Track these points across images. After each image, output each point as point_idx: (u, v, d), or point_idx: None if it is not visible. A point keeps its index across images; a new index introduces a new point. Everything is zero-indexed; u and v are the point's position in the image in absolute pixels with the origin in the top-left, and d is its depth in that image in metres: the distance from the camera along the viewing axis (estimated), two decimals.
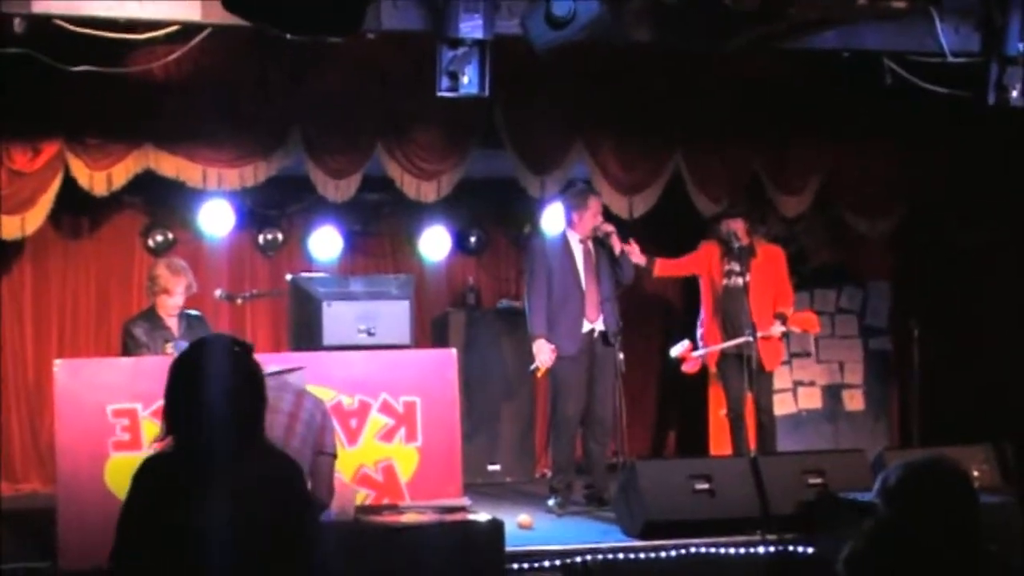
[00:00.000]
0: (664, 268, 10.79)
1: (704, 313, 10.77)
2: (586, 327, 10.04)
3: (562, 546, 8.70)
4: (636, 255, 10.31)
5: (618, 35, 8.98)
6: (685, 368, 10.80)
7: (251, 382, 4.25)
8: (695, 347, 10.69)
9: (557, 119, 10.36)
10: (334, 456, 7.15)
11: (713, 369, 10.99)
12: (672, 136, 10.70)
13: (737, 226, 10.49)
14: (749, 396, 10.43)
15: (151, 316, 9.39)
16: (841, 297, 12.73)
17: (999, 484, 9.39)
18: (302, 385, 7.33)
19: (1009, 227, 11.28)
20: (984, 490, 8.93)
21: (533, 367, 10.09)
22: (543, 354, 9.95)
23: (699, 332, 10.80)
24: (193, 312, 9.57)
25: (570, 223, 10.16)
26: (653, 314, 12.86)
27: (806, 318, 11.01)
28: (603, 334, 10.04)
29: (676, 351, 10.66)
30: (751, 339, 10.17)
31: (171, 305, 9.38)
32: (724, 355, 10.56)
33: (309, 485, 6.92)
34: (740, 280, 10.41)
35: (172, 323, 9.40)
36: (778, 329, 10.61)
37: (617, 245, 9.99)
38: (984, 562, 3.79)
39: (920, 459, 3.94)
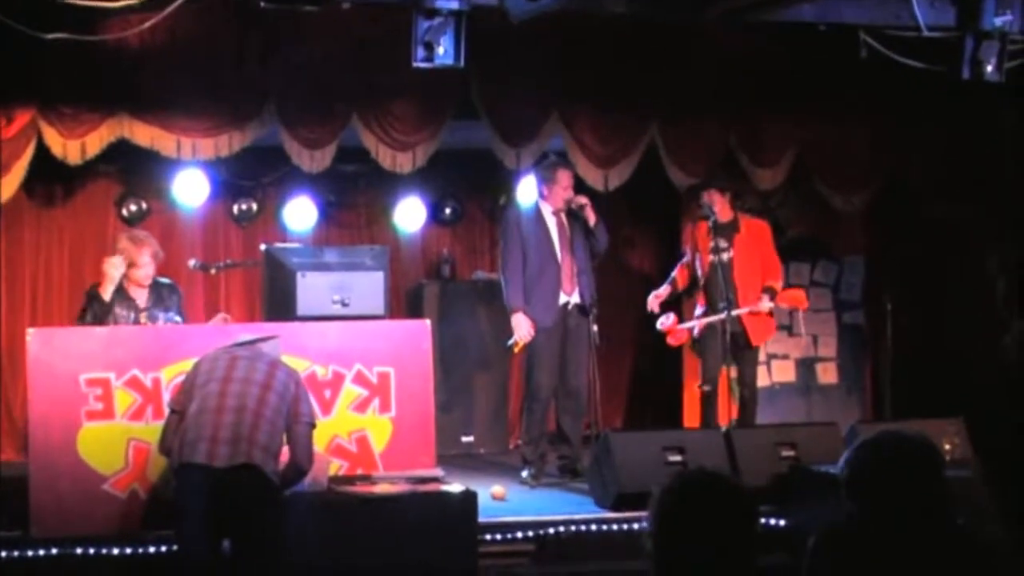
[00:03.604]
0: (681, 271, 10.78)
1: (698, 290, 10.76)
2: (562, 299, 10.03)
3: (535, 517, 8.72)
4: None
5: (594, 6, 8.98)
6: (670, 341, 10.79)
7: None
8: (681, 320, 10.68)
9: (533, 91, 10.34)
10: (312, 424, 7.17)
11: (691, 339, 10.96)
12: (648, 109, 10.69)
13: (713, 198, 10.48)
14: (723, 371, 10.45)
15: (117, 287, 9.32)
16: (815, 271, 12.76)
17: (970, 457, 9.41)
18: (276, 355, 7.34)
19: (983, 202, 11.30)
20: (955, 463, 9.03)
21: (511, 342, 10.06)
22: (521, 328, 9.92)
23: (697, 306, 10.77)
24: (164, 280, 9.54)
25: (542, 195, 10.16)
26: (629, 287, 12.87)
27: (795, 295, 11.02)
28: (578, 306, 10.04)
29: (662, 324, 10.62)
30: (726, 315, 10.17)
31: (141, 276, 9.33)
32: (709, 327, 10.54)
33: (283, 456, 6.98)
34: (725, 255, 10.42)
35: (141, 295, 9.34)
36: (766, 304, 10.62)
37: (591, 216, 9.98)
38: (952, 535, 3.79)
39: (883, 434, 3.95)
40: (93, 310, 9.18)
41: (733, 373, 10.46)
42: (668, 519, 3.51)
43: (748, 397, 10.58)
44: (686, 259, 10.78)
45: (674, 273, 10.80)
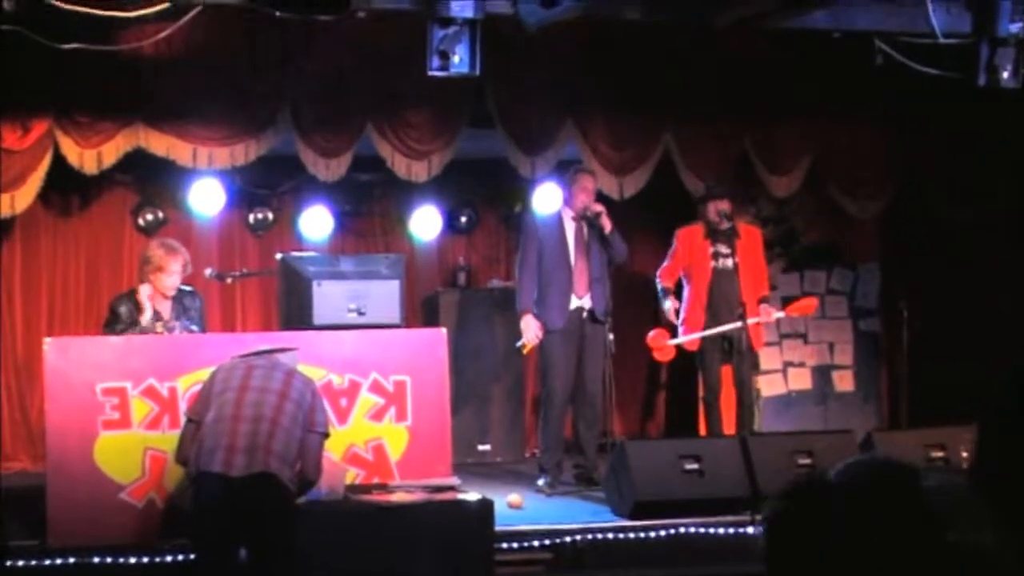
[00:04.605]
0: (671, 278, 10.69)
1: (689, 298, 10.67)
2: (574, 303, 10.05)
3: (552, 526, 8.72)
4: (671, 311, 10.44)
5: (609, 14, 9.00)
6: (657, 356, 10.76)
7: None
8: (672, 334, 10.59)
9: (548, 99, 10.35)
10: (324, 435, 7.17)
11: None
12: (662, 116, 10.69)
13: (725, 206, 10.45)
14: (725, 381, 10.44)
15: (138, 296, 9.31)
16: (831, 278, 12.74)
17: None
18: (293, 364, 7.35)
19: (998, 207, 11.28)
20: (966, 472, 8.99)
21: (520, 343, 10.14)
22: (529, 331, 9.99)
23: (681, 316, 10.68)
24: (186, 288, 9.51)
25: (565, 201, 10.18)
26: (644, 294, 12.85)
27: (806, 304, 11.01)
28: (592, 312, 10.05)
29: (649, 339, 10.57)
30: (741, 324, 10.15)
31: (167, 285, 9.27)
32: (706, 338, 10.51)
33: (298, 464, 6.98)
34: (730, 261, 10.40)
35: (165, 307, 9.30)
36: (777, 315, 10.64)
37: (607, 224, 9.98)
38: (940, 553, 3.72)
39: (862, 461, 3.89)
40: (130, 315, 9.15)
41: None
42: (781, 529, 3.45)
43: (748, 400, 10.56)
44: (668, 264, 10.70)
45: (664, 283, 10.66)
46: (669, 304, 10.57)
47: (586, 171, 10.29)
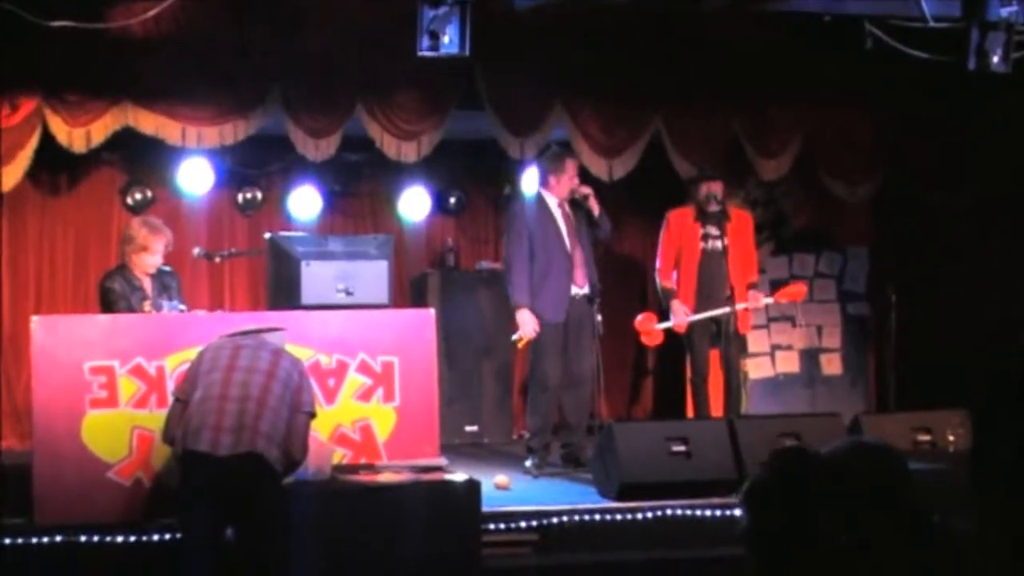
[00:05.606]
0: (668, 269, 10.63)
1: (679, 281, 10.63)
2: (573, 292, 9.95)
3: (538, 507, 8.70)
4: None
5: None
6: (645, 341, 10.73)
7: None
8: (660, 318, 10.57)
9: (537, 80, 10.33)
10: (311, 415, 7.17)
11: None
12: (652, 99, 10.68)
13: (717, 188, 10.43)
14: (713, 363, 10.43)
15: (125, 272, 9.36)
16: (820, 261, 12.75)
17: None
18: (281, 344, 7.34)
19: (987, 192, 11.29)
20: (958, 455, 9.01)
21: (515, 337, 9.98)
22: (527, 326, 9.82)
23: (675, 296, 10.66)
24: (165, 267, 9.54)
25: (546, 185, 10.05)
26: (631, 276, 12.88)
27: (795, 290, 11.00)
28: (585, 296, 9.99)
29: (638, 323, 10.55)
30: (729, 309, 10.14)
31: (149, 264, 9.34)
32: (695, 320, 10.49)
33: (285, 444, 6.98)
34: (719, 243, 10.38)
35: (147, 283, 9.36)
36: (765, 300, 10.64)
37: (596, 207, 9.94)
38: (924, 537, 3.72)
39: (847, 444, 3.89)
40: (124, 288, 9.20)
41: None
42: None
43: (736, 384, 10.56)
44: (663, 253, 10.63)
45: (666, 283, 10.58)
46: (678, 317, 10.43)
47: (569, 155, 10.21)
